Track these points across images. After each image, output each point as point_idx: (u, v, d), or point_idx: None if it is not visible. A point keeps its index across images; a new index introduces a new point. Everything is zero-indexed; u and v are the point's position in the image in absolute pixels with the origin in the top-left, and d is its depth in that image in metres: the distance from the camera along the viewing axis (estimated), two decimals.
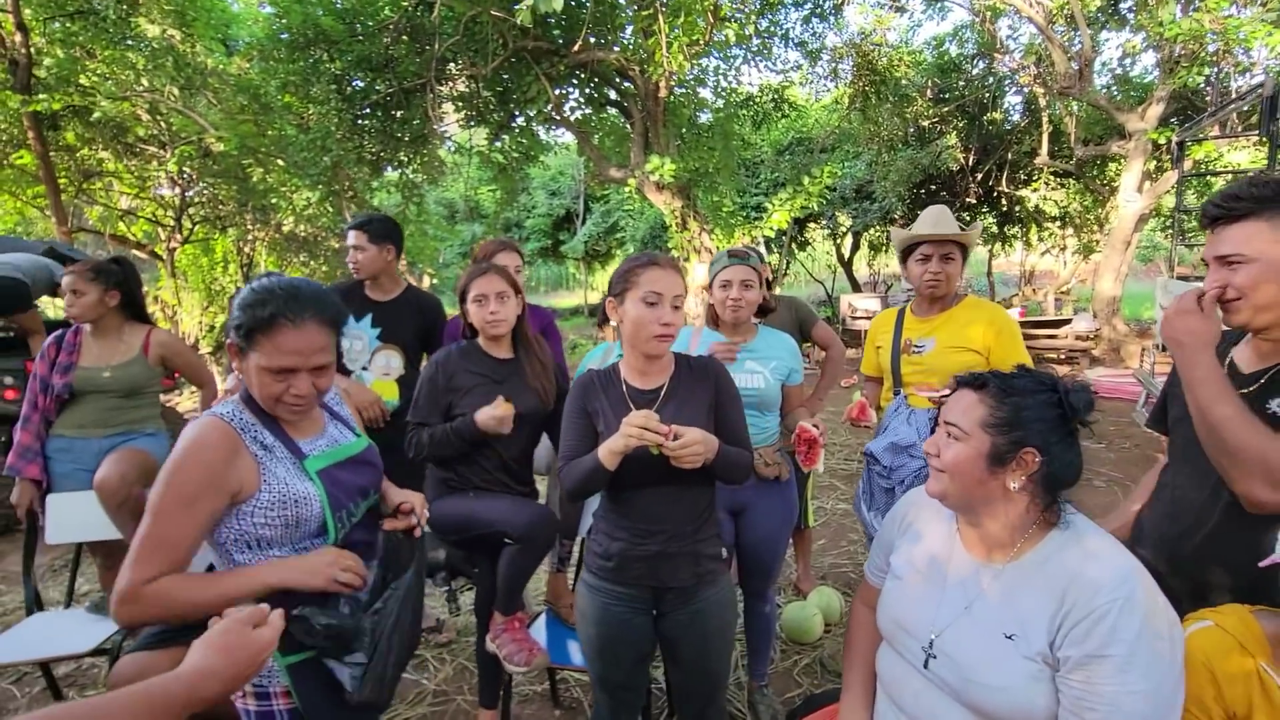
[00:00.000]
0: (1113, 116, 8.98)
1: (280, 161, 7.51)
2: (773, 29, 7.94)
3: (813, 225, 15.97)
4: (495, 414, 1.83)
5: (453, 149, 8.62)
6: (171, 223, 8.93)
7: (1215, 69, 8.79)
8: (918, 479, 1.88)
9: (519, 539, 1.86)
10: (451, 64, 6.94)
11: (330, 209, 7.92)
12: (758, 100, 8.96)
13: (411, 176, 8.01)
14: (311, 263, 9.90)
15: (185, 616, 1.12)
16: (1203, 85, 9.16)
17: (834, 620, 2.88)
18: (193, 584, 1.13)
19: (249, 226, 9.09)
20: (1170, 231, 8.38)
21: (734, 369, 1.94)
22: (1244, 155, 9.44)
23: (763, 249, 2.79)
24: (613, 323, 1.59)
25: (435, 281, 15.27)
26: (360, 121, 7.16)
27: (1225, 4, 7.42)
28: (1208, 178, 9.41)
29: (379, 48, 6.55)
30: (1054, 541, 1.14)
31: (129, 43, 6.90)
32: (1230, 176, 9.43)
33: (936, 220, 2.09)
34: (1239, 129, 8.09)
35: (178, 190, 8.83)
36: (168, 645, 1.88)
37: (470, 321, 2.00)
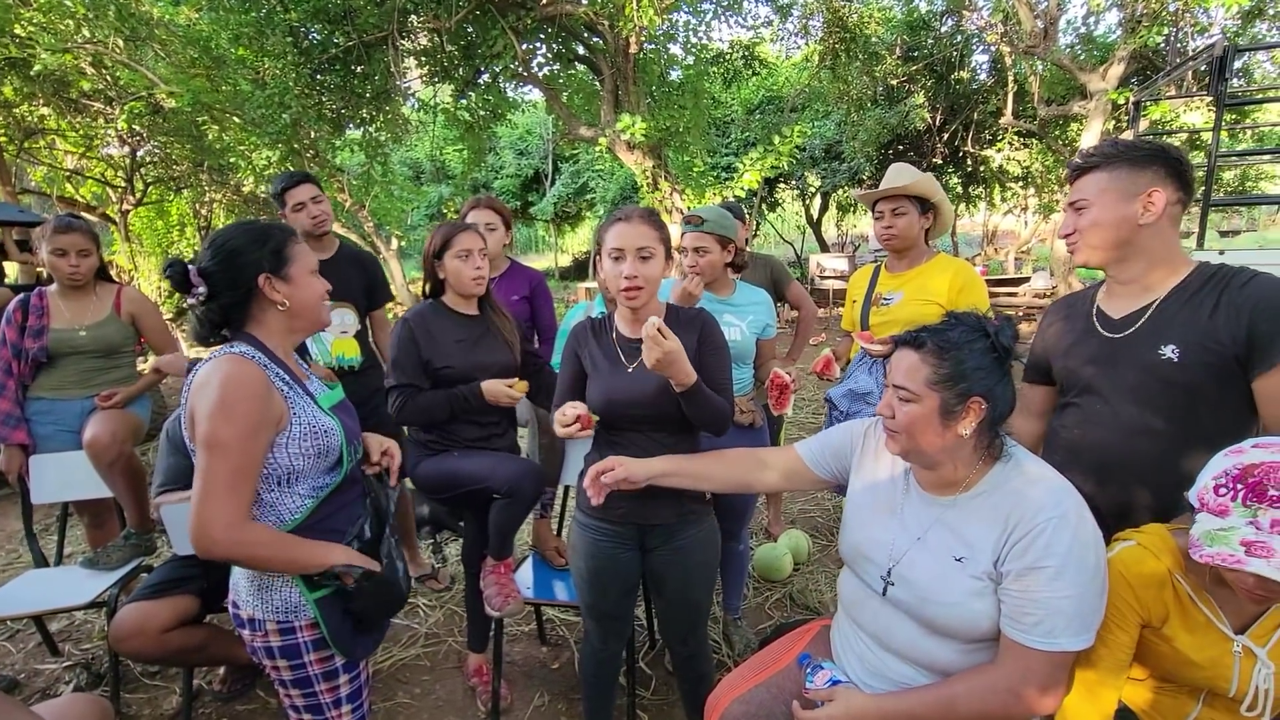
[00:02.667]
0: (1075, 76, 9.12)
1: (237, 119, 7.23)
2: None
3: (782, 186, 16.00)
4: (510, 393, 1.89)
5: (417, 106, 8.38)
6: (122, 184, 8.58)
7: (1174, 29, 8.97)
8: None
9: (506, 494, 1.91)
10: (413, 16, 6.71)
11: (291, 168, 7.69)
12: (728, 57, 8.88)
13: (375, 135, 7.80)
14: None
15: (263, 566, 1.22)
16: (1162, 45, 9.35)
17: (802, 560, 3.06)
18: (277, 547, 1.21)
19: (205, 187, 8.79)
20: None
21: None
22: (1198, 116, 9.71)
23: (740, 207, 2.84)
24: (598, 278, 1.65)
25: (403, 244, 14.96)
26: (319, 77, 6.91)
27: None
28: (1163, 138, 9.67)
29: None
30: (998, 473, 1.25)
31: None
32: (1185, 137, 9.73)
33: (890, 177, 2.18)
34: (1194, 89, 8.30)
35: (127, 149, 8.45)
36: (165, 595, 1.95)
37: (444, 277, 2.00)
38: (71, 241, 2.37)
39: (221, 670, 2.26)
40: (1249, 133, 9.52)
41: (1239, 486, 1.05)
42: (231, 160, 8.06)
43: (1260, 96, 7.98)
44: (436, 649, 2.51)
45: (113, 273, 2.68)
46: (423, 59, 7.40)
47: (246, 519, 1.17)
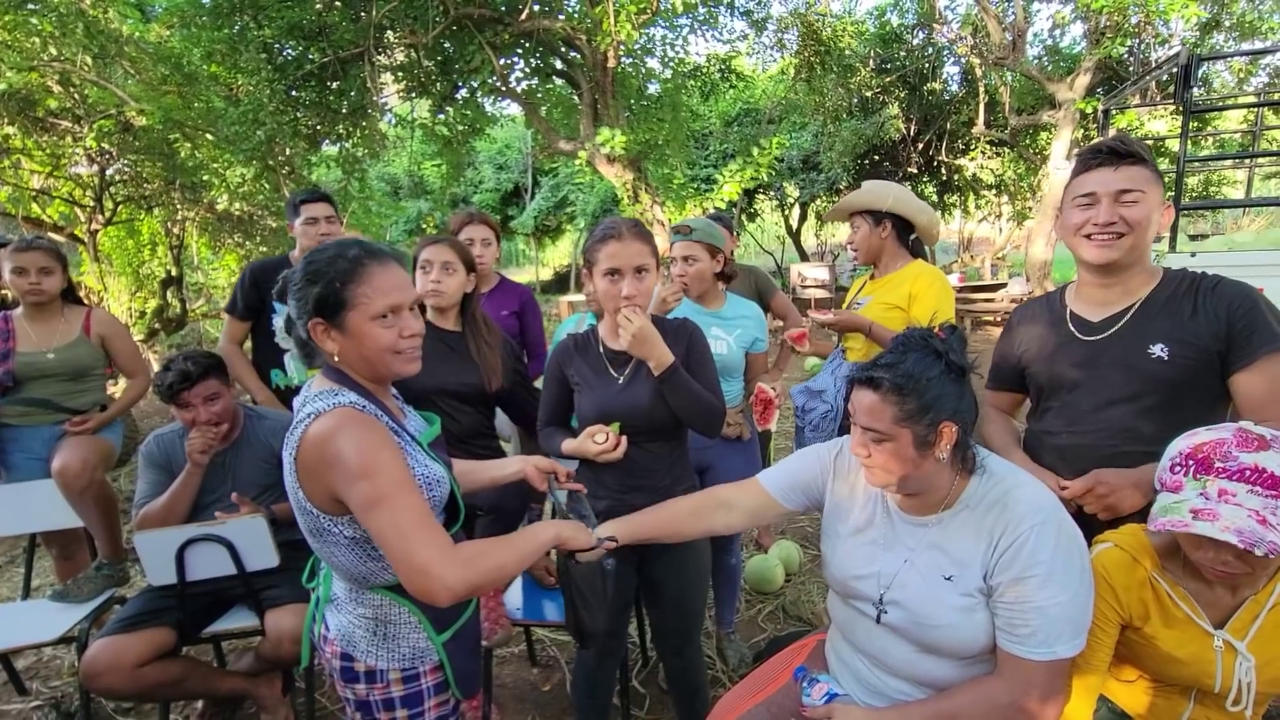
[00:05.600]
0: (1044, 86, 9.35)
1: (210, 136, 7.12)
2: None
3: (761, 196, 16.15)
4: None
5: (394, 122, 8.34)
6: (91, 203, 8.39)
7: (1137, 40, 9.23)
8: (824, 420, 2.06)
9: (489, 510, 1.88)
10: (390, 32, 6.68)
11: (267, 186, 7.58)
12: (705, 70, 8.95)
13: (352, 151, 7.73)
14: (247, 243, 9.48)
15: (503, 577, 1.11)
16: (1125, 56, 9.62)
17: (793, 570, 3.04)
18: (495, 547, 1.11)
19: (178, 206, 8.62)
20: None
21: None
22: (1162, 124, 9.98)
23: (728, 218, 2.88)
24: (586, 292, 1.63)
25: (402, 252, 14.83)
26: (294, 93, 6.85)
27: None
28: None
29: (311, 14, 6.25)
30: (976, 486, 1.23)
31: (31, 6, 6.38)
32: (1150, 144, 10.00)
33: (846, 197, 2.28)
34: (1158, 98, 8.54)
35: (96, 168, 8.28)
36: (140, 627, 1.88)
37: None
38: (32, 260, 2.31)
39: (200, 704, 2.18)
40: (1210, 139, 9.82)
41: (1190, 464, 1.12)
42: (205, 178, 7.93)
43: (1223, 104, 8.23)
44: None
45: (81, 294, 2.61)
46: (399, 74, 7.38)
47: (453, 546, 1.04)
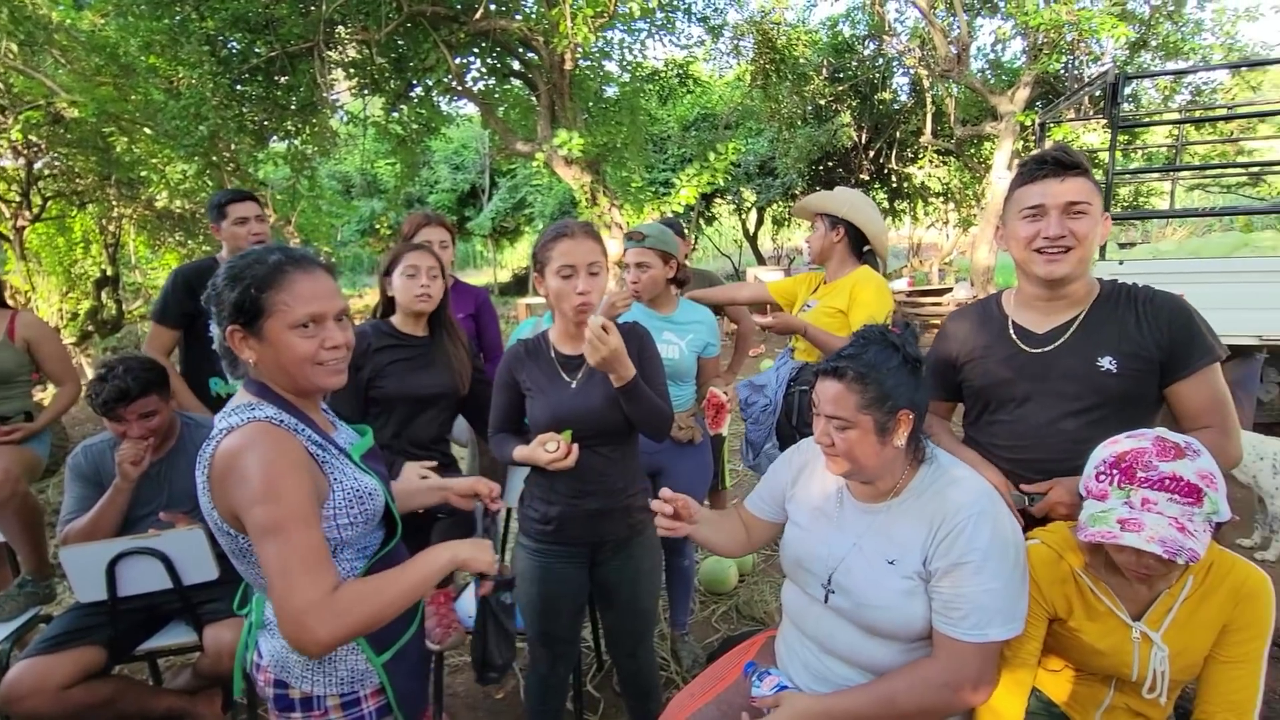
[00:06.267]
0: (986, 99, 9.72)
1: (148, 130, 6.82)
2: (675, 2, 7.98)
3: (719, 200, 16.33)
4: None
5: (345, 119, 8.15)
6: (17, 198, 7.94)
7: (1072, 57, 9.69)
8: (763, 414, 2.12)
9: (450, 513, 1.87)
10: (340, 27, 6.52)
11: (210, 183, 7.30)
12: (663, 75, 9.01)
13: (301, 148, 7.51)
14: (190, 242, 9.11)
15: (385, 618, 1.04)
16: (1062, 71, 10.08)
17: (747, 571, 3.09)
18: (377, 580, 1.06)
19: (113, 202, 8.24)
20: None
21: None
22: (1095, 138, 10.50)
23: (680, 223, 2.92)
24: (541, 293, 1.63)
25: (333, 260, 14.43)
26: (239, 87, 6.61)
27: None
28: None
29: (257, 6, 6.04)
30: (924, 476, 1.31)
31: None
32: (1085, 156, 10.50)
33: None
34: (1090, 112, 8.99)
35: (23, 161, 7.84)
36: (66, 647, 1.80)
37: (391, 295, 1.97)
38: None
39: None
40: (1140, 152, 10.37)
41: (1114, 472, 1.16)
42: (143, 174, 7.59)
43: (1149, 119, 8.70)
44: None
45: (6, 295, 2.47)
46: (351, 71, 7.20)
47: (332, 594, 0.99)
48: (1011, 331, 1.52)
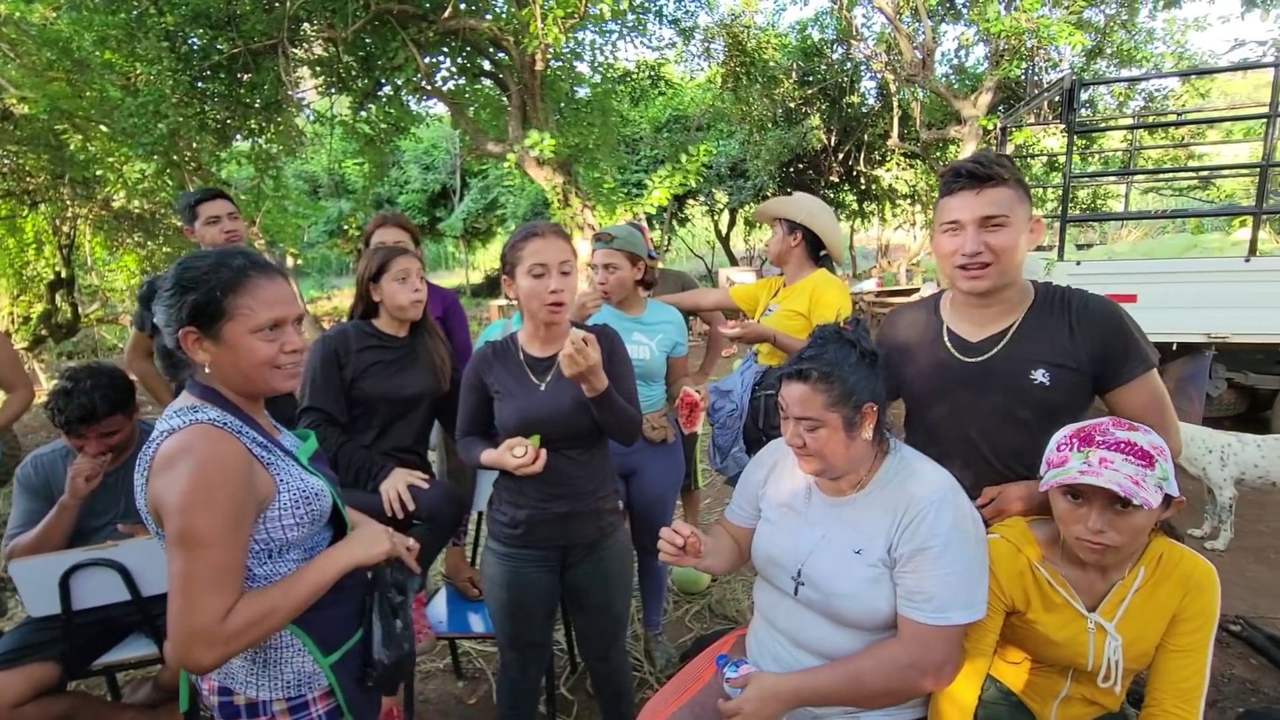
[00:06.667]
0: (950, 103, 9.93)
1: (104, 128, 6.61)
2: (647, 4, 7.99)
3: (692, 202, 16.40)
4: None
5: (312, 118, 7.99)
6: None
7: (1031, 63, 9.95)
8: (730, 418, 2.15)
9: (426, 518, 1.86)
10: (306, 24, 6.40)
11: (170, 182, 7.09)
12: (635, 77, 9.03)
13: (266, 147, 7.34)
14: (149, 243, 8.84)
15: (274, 629, 1.06)
16: (1022, 77, 10.35)
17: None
18: (272, 596, 1.04)
19: (67, 202, 7.96)
20: None
21: None
22: (1055, 141, 10.81)
23: (644, 223, 2.93)
24: (509, 296, 1.63)
25: (299, 262, 14.16)
26: (200, 84, 6.43)
27: (1039, 4, 8.42)
28: (1027, 159, 10.69)
29: (218, 2, 5.89)
30: (887, 467, 1.35)
31: None
32: (1045, 160, 10.79)
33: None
34: (1050, 117, 9.24)
35: None
36: (18, 663, 1.74)
37: (379, 300, 1.94)
38: None
39: None
40: (1097, 156, 10.70)
41: (1075, 440, 1.23)
42: (99, 173, 7.35)
43: (1104, 124, 8.98)
44: None
45: None
46: (317, 69, 7.06)
47: (223, 619, 0.99)
48: (946, 338, 1.51)
